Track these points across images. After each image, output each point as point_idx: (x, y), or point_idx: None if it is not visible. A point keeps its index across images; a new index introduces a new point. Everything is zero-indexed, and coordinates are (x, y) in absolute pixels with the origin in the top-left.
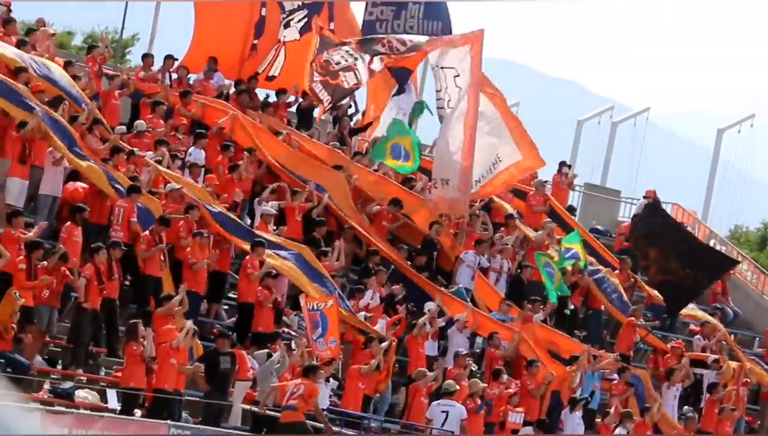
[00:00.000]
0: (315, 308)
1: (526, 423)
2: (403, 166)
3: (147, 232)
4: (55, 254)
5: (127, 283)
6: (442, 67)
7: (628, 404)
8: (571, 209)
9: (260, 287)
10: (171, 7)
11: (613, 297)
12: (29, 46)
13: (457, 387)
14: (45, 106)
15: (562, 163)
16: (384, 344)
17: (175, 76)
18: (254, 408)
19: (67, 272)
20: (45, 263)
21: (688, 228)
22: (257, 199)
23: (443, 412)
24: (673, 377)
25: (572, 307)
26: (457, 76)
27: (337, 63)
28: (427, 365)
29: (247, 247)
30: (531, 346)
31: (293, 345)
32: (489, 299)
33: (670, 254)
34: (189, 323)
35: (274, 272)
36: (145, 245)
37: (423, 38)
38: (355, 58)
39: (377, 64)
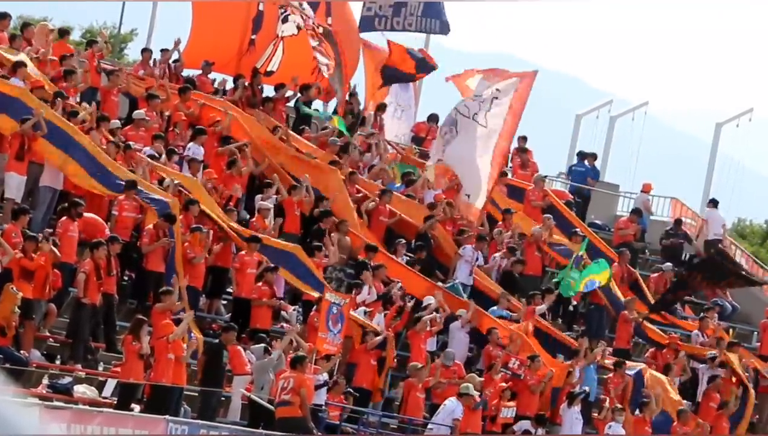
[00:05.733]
0: (339, 302)
1: (523, 417)
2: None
3: (150, 226)
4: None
5: (126, 278)
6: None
7: (624, 397)
8: (569, 205)
9: (260, 284)
10: (169, 3)
11: (612, 298)
12: (22, 41)
13: (474, 393)
14: (44, 108)
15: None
16: (380, 337)
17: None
18: (254, 397)
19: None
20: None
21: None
22: (259, 195)
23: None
24: (670, 371)
25: (574, 303)
26: (496, 98)
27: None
28: (428, 360)
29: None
30: (531, 342)
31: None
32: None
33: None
34: (187, 315)
35: (273, 265)
36: (148, 239)
37: None
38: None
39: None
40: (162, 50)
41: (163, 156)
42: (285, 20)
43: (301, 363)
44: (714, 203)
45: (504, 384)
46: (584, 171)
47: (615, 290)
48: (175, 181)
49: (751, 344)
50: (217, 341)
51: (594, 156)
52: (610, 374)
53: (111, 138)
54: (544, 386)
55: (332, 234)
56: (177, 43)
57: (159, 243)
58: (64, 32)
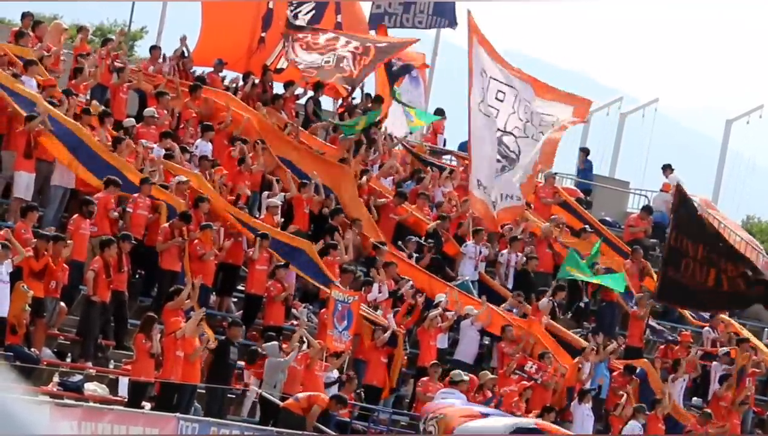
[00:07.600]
0: (345, 300)
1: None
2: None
3: (166, 225)
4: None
5: (137, 276)
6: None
7: (631, 395)
8: (579, 201)
9: (272, 281)
10: (178, 1)
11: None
12: (29, 38)
13: (465, 378)
14: (49, 107)
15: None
16: (388, 333)
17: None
18: (266, 394)
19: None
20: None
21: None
22: (266, 192)
23: (443, 399)
24: (679, 368)
25: (585, 299)
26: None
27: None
28: (438, 357)
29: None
30: (541, 339)
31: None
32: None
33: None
34: (198, 312)
35: (283, 261)
36: (163, 238)
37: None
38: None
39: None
40: (175, 51)
41: (177, 151)
42: (295, 17)
43: (342, 404)
44: (670, 169)
45: (526, 383)
46: (589, 166)
47: (632, 289)
48: (182, 180)
49: (761, 341)
50: (223, 337)
51: (586, 151)
52: (614, 373)
53: (115, 134)
54: (557, 383)
55: (346, 233)
56: (183, 39)
57: (173, 241)
58: (81, 29)
